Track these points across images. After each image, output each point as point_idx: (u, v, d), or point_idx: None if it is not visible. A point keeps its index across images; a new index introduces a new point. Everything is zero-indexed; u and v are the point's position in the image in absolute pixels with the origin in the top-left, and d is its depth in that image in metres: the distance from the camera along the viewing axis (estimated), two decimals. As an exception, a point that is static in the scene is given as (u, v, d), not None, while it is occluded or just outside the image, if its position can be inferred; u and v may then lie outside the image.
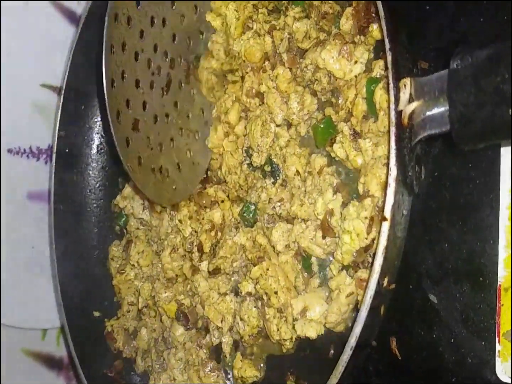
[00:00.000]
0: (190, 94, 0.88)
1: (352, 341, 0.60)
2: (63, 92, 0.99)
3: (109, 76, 0.70)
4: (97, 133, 1.07)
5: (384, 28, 0.60)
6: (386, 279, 0.62)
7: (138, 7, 0.74)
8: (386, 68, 0.61)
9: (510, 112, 0.49)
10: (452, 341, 0.66)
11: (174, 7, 0.81)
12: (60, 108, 0.99)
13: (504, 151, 0.63)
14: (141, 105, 0.77)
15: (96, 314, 0.99)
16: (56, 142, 1.00)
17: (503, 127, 0.51)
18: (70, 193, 1.03)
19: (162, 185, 0.81)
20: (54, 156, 1.00)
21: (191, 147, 0.87)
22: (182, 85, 0.86)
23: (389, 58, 0.59)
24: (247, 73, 0.83)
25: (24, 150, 1.09)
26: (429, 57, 0.68)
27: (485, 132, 0.53)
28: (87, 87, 1.03)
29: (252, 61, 0.81)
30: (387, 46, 0.59)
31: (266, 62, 0.81)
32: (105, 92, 0.69)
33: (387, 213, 0.59)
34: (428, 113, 0.58)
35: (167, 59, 0.82)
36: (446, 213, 0.68)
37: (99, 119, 1.07)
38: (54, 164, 1.00)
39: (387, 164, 0.59)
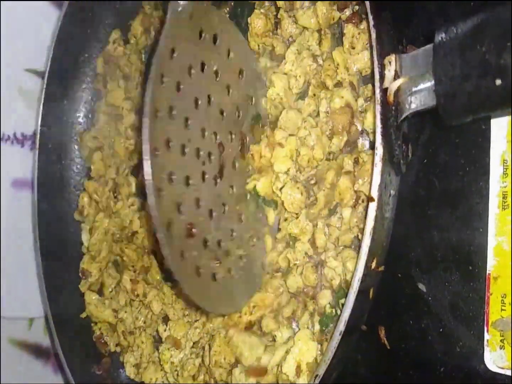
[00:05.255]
0: (247, 171, 0.77)
1: (341, 325, 0.59)
2: (46, 76, 0.97)
3: (156, 185, 0.60)
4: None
5: (368, 5, 0.59)
6: (374, 261, 0.61)
7: (179, 92, 0.66)
8: (370, 45, 0.60)
9: (496, 83, 0.48)
10: (441, 330, 0.66)
11: (218, 79, 0.73)
12: (43, 94, 0.98)
13: (494, 138, 0.62)
14: (194, 204, 0.68)
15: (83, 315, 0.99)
16: (38, 137, 0.99)
17: (489, 98, 0.50)
18: (53, 186, 1.02)
19: (221, 295, 0.71)
20: (37, 151, 0.99)
21: (253, 234, 0.77)
22: (237, 164, 0.76)
23: (373, 35, 0.58)
24: None
25: (8, 136, 1.07)
26: (414, 35, 0.67)
27: (471, 105, 0.52)
28: (71, 73, 1.01)
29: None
30: (371, 23, 0.58)
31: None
32: (152, 205, 0.59)
33: (374, 193, 0.58)
34: (414, 89, 0.57)
35: (217, 141, 0.73)
36: (435, 201, 0.67)
37: (82, 114, 1.06)
38: (37, 159, 0.99)
39: (373, 143, 0.58)
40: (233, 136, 0.76)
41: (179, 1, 0.66)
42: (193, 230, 0.66)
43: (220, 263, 0.70)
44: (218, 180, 0.72)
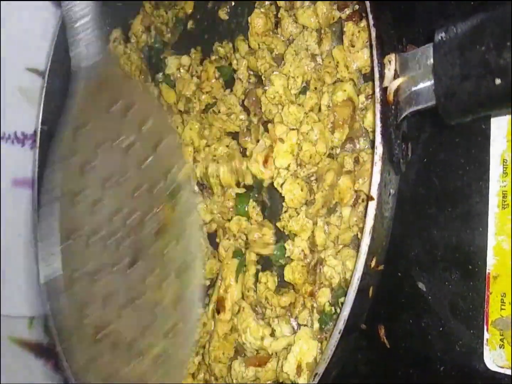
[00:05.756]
0: (162, 253, 0.68)
1: (341, 324, 0.59)
2: (47, 75, 0.97)
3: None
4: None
5: (368, 4, 0.59)
6: (374, 260, 0.61)
7: (87, 175, 0.60)
8: (370, 44, 0.60)
9: (496, 82, 0.48)
10: (440, 329, 0.66)
11: (130, 155, 0.65)
12: (44, 93, 0.98)
13: (494, 138, 0.62)
14: (102, 303, 0.61)
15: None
16: (39, 136, 0.98)
17: (489, 98, 0.50)
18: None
19: None
20: (37, 150, 0.99)
21: (175, 323, 0.68)
22: (151, 248, 0.67)
23: (373, 34, 0.58)
24: None
25: (9, 135, 1.07)
26: (414, 35, 0.67)
27: (471, 104, 0.52)
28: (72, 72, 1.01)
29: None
30: (371, 22, 0.58)
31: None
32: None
33: (374, 192, 0.58)
34: (414, 88, 0.57)
35: (128, 224, 0.65)
36: (435, 200, 0.67)
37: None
38: (37, 159, 0.98)
39: (373, 142, 0.58)
40: (147, 217, 0.67)
41: (90, 68, 0.61)
42: (102, 334, 0.60)
43: (133, 365, 0.63)
44: (131, 269, 0.64)
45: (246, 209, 0.80)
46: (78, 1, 0.63)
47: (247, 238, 0.79)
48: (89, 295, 0.59)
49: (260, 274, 0.77)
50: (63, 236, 0.56)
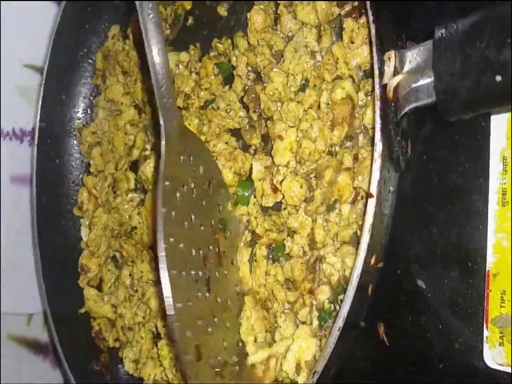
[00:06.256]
0: (225, 277, 0.78)
1: (340, 321, 0.59)
2: (45, 72, 0.97)
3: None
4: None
5: (367, 0, 0.59)
6: (373, 258, 0.61)
7: (174, 218, 0.67)
8: (370, 41, 0.60)
9: (496, 79, 0.48)
10: (440, 327, 0.66)
11: (194, 196, 0.74)
12: (42, 89, 0.98)
13: (494, 135, 0.62)
14: (195, 325, 0.69)
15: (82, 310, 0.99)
16: (37, 132, 0.99)
17: (489, 95, 0.50)
18: (52, 182, 1.02)
19: None
20: (35, 147, 0.99)
21: (237, 338, 0.77)
22: (217, 273, 0.77)
23: (373, 31, 0.58)
24: None
25: (7, 132, 1.07)
26: (414, 31, 0.67)
27: (471, 101, 0.52)
28: (70, 68, 1.01)
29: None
30: (370, 18, 0.58)
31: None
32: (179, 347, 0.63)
33: (373, 189, 0.58)
34: (414, 85, 0.57)
35: (200, 256, 0.74)
36: (435, 197, 0.67)
37: (80, 109, 1.06)
38: (36, 155, 0.99)
39: (372, 139, 0.58)
40: (211, 246, 0.76)
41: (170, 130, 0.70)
42: (202, 352, 0.67)
43: (223, 377, 0.71)
44: (207, 294, 0.73)
45: (247, 194, 0.80)
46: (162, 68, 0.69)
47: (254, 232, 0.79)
48: (187, 319, 0.66)
49: (270, 266, 0.76)
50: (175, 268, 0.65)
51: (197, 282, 0.71)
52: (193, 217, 0.73)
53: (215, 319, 0.73)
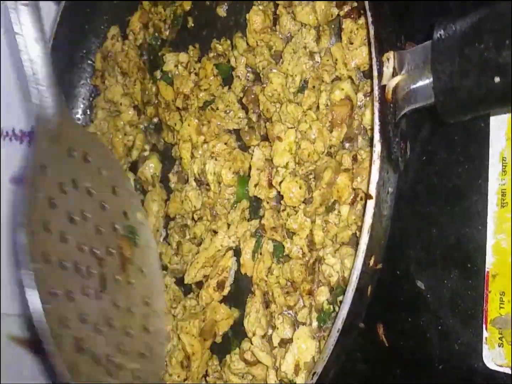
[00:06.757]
0: (130, 283, 0.79)
1: (339, 323, 0.59)
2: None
3: (40, 302, 0.62)
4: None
5: (366, 1, 0.59)
6: (372, 259, 0.61)
7: (52, 207, 0.68)
8: (369, 42, 0.60)
9: (495, 80, 0.48)
10: (439, 328, 0.66)
11: (91, 196, 0.76)
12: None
13: (493, 136, 0.62)
14: (79, 319, 0.69)
15: None
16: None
17: (488, 96, 0.50)
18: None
19: None
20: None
21: (146, 347, 0.79)
22: (118, 278, 0.78)
23: (372, 32, 0.58)
24: None
25: (7, 132, 1.07)
26: (413, 32, 0.66)
27: (470, 102, 0.52)
28: (69, 68, 1.01)
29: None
30: (369, 19, 0.58)
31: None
32: (37, 318, 0.62)
33: (372, 190, 0.57)
34: (413, 86, 0.57)
35: (95, 256, 0.74)
36: (434, 198, 0.67)
37: (79, 110, 1.06)
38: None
39: (371, 140, 0.58)
40: (113, 250, 0.78)
41: (46, 118, 0.70)
42: (82, 345, 0.67)
43: (113, 377, 0.71)
44: (101, 294, 0.73)
45: (247, 191, 0.80)
46: (38, 56, 0.72)
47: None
48: (66, 310, 0.67)
49: (274, 265, 0.76)
50: (37, 257, 0.64)
51: (85, 278, 0.71)
52: (88, 215, 0.74)
53: (112, 321, 0.74)
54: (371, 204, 0.58)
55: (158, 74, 0.95)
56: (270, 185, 0.76)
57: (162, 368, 0.80)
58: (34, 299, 0.61)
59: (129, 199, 0.83)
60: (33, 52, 0.71)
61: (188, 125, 0.87)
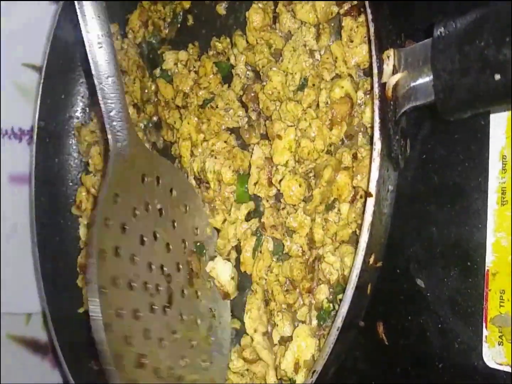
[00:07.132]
0: (196, 296, 0.80)
1: (339, 321, 0.59)
2: (43, 71, 0.97)
3: (104, 322, 0.61)
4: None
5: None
6: (372, 257, 0.61)
7: (124, 232, 0.68)
8: (369, 40, 0.60)
9: (495, 78, 0.48)
10: (439, 326, 0.66)
11: (162, 216, 0.77)
12: (40, 88, 0.98)
13: (493, 134, 0.62)
14: (143, 336, 0.69)
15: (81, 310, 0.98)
16: (36, 131, 0.99)
17: (488, 94, 0.50)
18: (51, 181, 1.02)
19: None
20: (34, 146, 0.99)
21: (207, 358, 0.78)
22: (185, 292, 0.78)
23: (372, 29, 0.58)
24: None
25: (6, 131, 1.07)
26: (413, 30, 0.67)
27: (470, 100, 0.52)
28: (68, 67, 1.01)
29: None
30: (369, 17, 0.58)
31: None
32: (100, 341, 0.61)
33: (372, 188, 0.58)
34: (413, 84, 0.57)
35: (164, 273, 0.75)
36: (434, 196, 0.67)
37: (79, 108, 1.06)
38: (34, 154, 0.99)
39: (371, 138, 0.58)
40: (180, 266, 0.79)
41: (120, 150, 0.72)
42: (144, 361, 0.67)
43: None
44: (167, 309, 0.74)
45: (247, 190, 0.80)
46: (113, 94, 0.73)
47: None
48: (131, 329, 0.67)
49: (273, 264, 0.76)
50: (106, 283, 0.64)
51: (152, 296, 0.72)
52: (158, 235, 0.75)
53: (176, 334, 0.74)
54: (371, 202, 0.58)
55: (157, 72, 0.95)
56: (270, 184, 0.76)
57: (223, 379, 0.80)
58: (97, 324, 0.61)
59: (199, 214, 0.84)
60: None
61: (188, 123, 0.87)
